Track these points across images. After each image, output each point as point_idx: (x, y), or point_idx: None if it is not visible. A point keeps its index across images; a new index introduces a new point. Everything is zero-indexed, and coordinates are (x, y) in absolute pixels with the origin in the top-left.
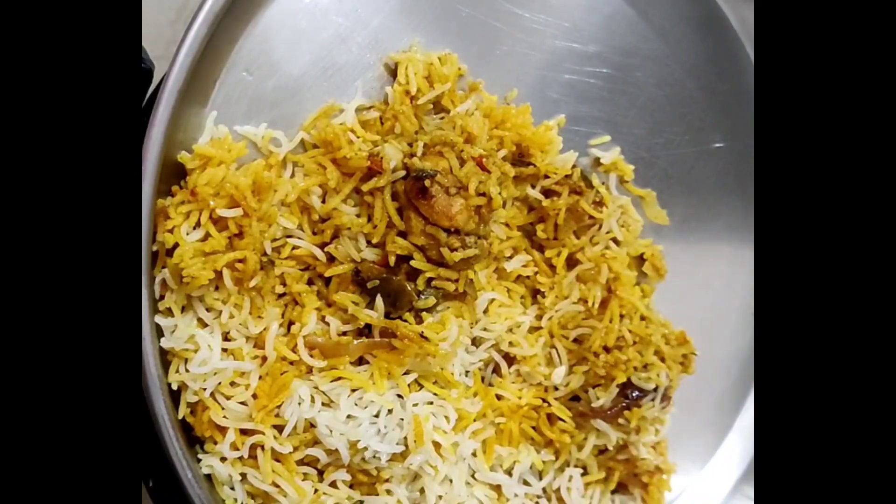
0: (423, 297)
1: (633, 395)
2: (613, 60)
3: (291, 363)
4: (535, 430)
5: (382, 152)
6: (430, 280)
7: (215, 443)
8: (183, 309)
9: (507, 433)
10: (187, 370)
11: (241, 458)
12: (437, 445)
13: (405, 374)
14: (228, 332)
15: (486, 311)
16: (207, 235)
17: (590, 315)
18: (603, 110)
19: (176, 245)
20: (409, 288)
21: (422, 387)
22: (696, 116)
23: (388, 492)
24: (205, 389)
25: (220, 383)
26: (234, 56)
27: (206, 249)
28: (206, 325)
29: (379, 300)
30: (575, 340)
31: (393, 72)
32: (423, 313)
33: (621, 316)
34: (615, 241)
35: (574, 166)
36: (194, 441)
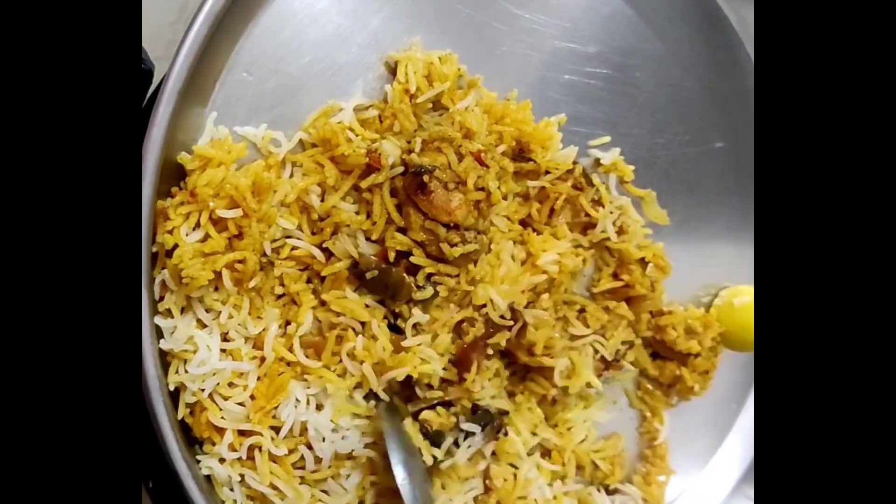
0: (422, 289)
1: None
2: (613, 61)
3: (289, 364)
4: None
5: (380, 149)
6: (429, 275)
7: (214, 444)
8: (182, 310)
9: None
10: (186, 371)
11: (239, 459)
12: None
13: None
14: (227, 333)
15: None
16: (207, 236)
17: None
18: (603, 110)
19: (176, 246)
20: (408, 280)
21: None
22: (696, 116)
23: None
24: (203, 390)
25: (218, 384)
26: (234, 56)
27: (205, 250)
28: (205, 326)
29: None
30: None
31: (393, 70)
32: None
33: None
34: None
35: (575, 162)
36: (194, 442)
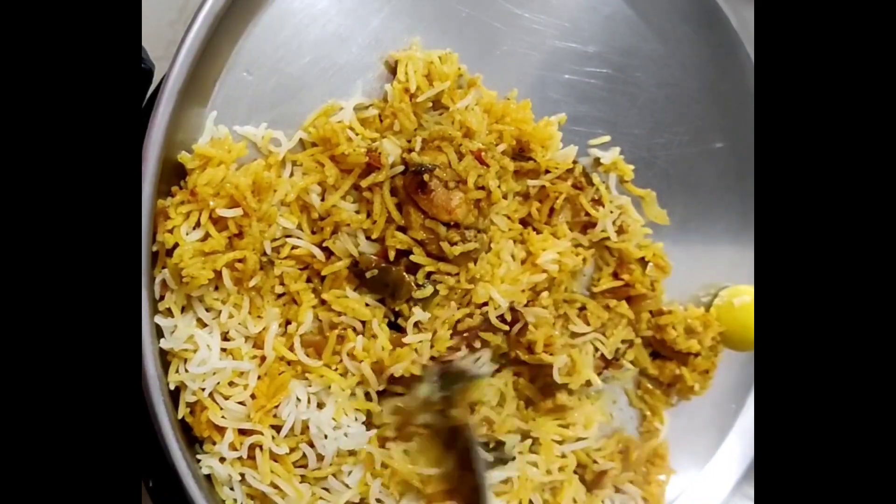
0: (422, 288)
1: None
2: (613, 60)
3: (289, 363)
4: None
5: (381, 147)
6: (429, 274)
7: (214, 443)
8: (183, 309)
9: None
10: (186, 370)
11: (240, 458)
12: None
13: None
14: (227, 332)
15: None
16: (207, 235)
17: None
18: (603, 110)
19: (176, 245)
20: (408, 279)
21: None
22: (696, 116)
23: None
24: (203, 389)
25: (218, 383)
26: (234, 56)
27: (205, 249)
28: (205, 325)
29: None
30: None
31: (393, 70)
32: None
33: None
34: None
35: (575, 161)
36: (194, 441)
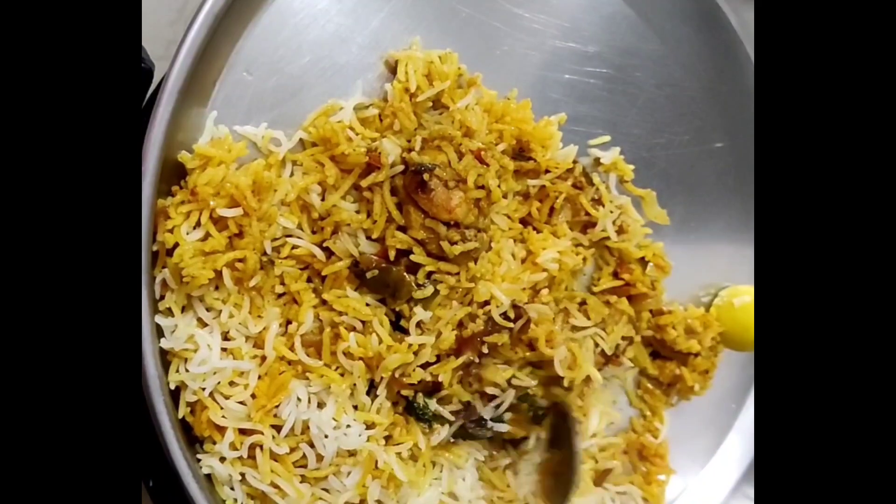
0: (422, 287)
1: None
2: (613, 60)
3: (290, 363)
4: None
5: (381, 147)
6: (430, 273)
7: (214, 443)
8: (183, 309)
9: None
10: (187, 370)
11: (240, 458)
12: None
13: None
14: (228, 332)
15: None
16: (207, 235)
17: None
18: (603, 110)
19: (176, 245)
20: (408, 278)
21: None
22: (696, 116)
23: None
24: (204, 389)
25: (219, 383)
26: (234, 56)
27: (206, 249)
28: (205, 325)
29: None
30: None
31: (393, 69)
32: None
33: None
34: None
35: (575, 161)
36: (194, 441)
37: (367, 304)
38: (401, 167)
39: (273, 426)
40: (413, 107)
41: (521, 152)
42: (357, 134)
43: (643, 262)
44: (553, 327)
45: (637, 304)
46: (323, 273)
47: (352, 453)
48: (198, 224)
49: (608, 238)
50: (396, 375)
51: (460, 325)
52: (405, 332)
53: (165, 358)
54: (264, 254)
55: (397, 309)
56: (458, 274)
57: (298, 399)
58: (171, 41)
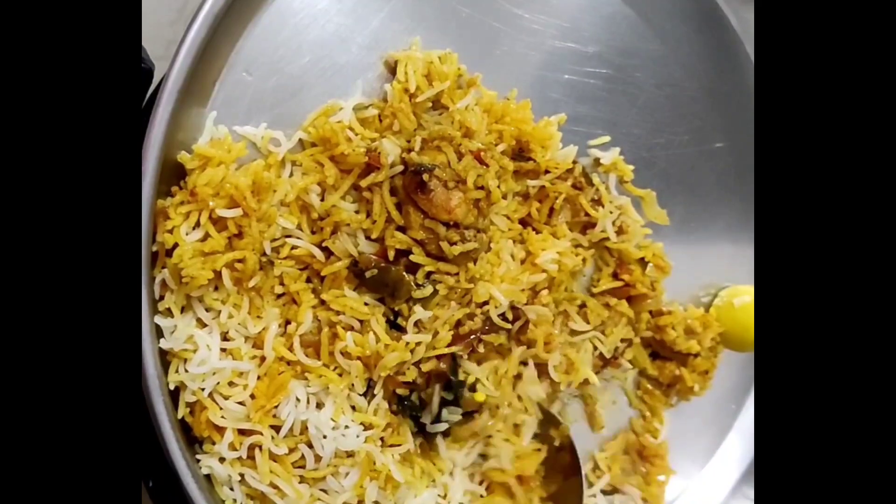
0: (421, 287)
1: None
2: (613, 61)
3: (289, 363)
4: None
5: (380, 147)
6: (429, 273)
7: (214, 443)
8: (182, 309)
9: None
10: (186, 370)
11: (239, 458)
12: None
13: None
14: (227, 332)
15: None
16: (207, 235)
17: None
18: (603, 110)
19: (175, 245)
20: (407, 278)
21: None
22: (696, 116)
23: None
24: (203, 389)
25: (218, 383)
26: (234, 56)
27: (205, 249)
28: (205, 326)
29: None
30: None
31: (393, 70)
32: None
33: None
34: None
35: (575, 161)
36: (194, 441)
37: (366, 304)
38: (400, 167)
39: (272, 426)
40: (413, 107)
41: (520, 153)
42: (356, 134)
43: (643, 262)
44: (552, 330)
45: (637, 304)
46: (322, 273)
47: (350, 454)
48: (197, 224)
49: (608, 239)
50: (392, 374)
51: (458, 324)
52: (402, 330)
53: (165, 358)
54: (264, 254)
55: (396, 308)
56: (457, 274)
57: (297, 399)
58: (171, 41)
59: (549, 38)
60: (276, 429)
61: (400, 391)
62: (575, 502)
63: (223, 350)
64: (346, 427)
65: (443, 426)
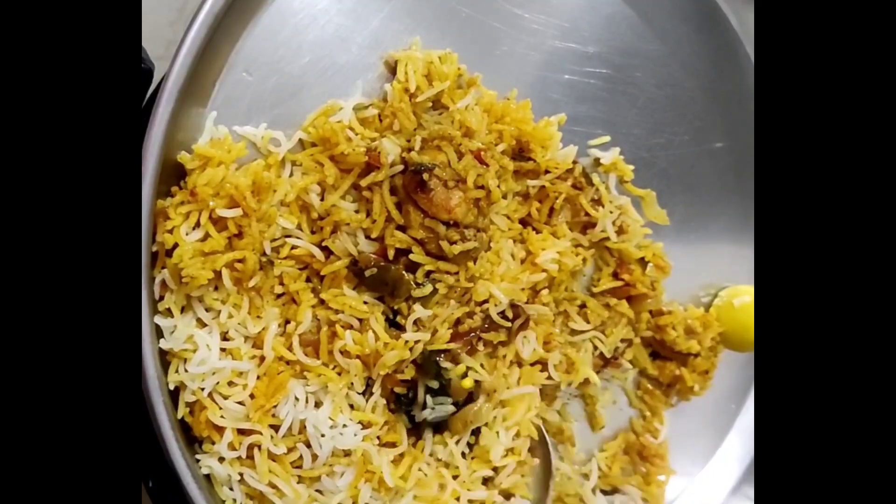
0: (420, 286)
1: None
2: (613, 61)
3: (288, 363)
4: None
5: (380, 147)
6: (429, 272)
7: (213, 443)
8: (182, 309)
9: None
10: (186, 370)
11: (239, 458)
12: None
13: None
14: (227, 332)
15: None
16: (207, 235)
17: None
18: (603, 110)
19: (175, 245)
20: (407, 277)
21: None
22: (696, 116)
23: None
24: (203, 389)
25: (217, 383)
26: (234, 56)
27: (205, 249)
28: (204, 326)
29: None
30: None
31: (393, 70)
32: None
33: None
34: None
35: (575, 161)
36: (194, 441)
37: (365, 302)
38: (400, 167)
39: (271, 426)
40: (413, 107)
41: (520, 152)
42: (356, 134)
43: (643, 262)
44: (552, 329)
45: (637, 304)
46: (322, 272)
47: (346, 453)
48: (197, 224)
49: (608, 238)
50: (391, 372)
51: (458, 322)
52: (401, 328)
53: (165, 358)
54: (263, 254)
55: (396, 307)
56: (457, 273)
57: (296, 399)
58: (171, 41)
59: (549, 38)
60: (276, 428)
61: (398, 390)
62: (545, 476)
63: (223, 350)
64: (345, 426)
65: (428, 412)
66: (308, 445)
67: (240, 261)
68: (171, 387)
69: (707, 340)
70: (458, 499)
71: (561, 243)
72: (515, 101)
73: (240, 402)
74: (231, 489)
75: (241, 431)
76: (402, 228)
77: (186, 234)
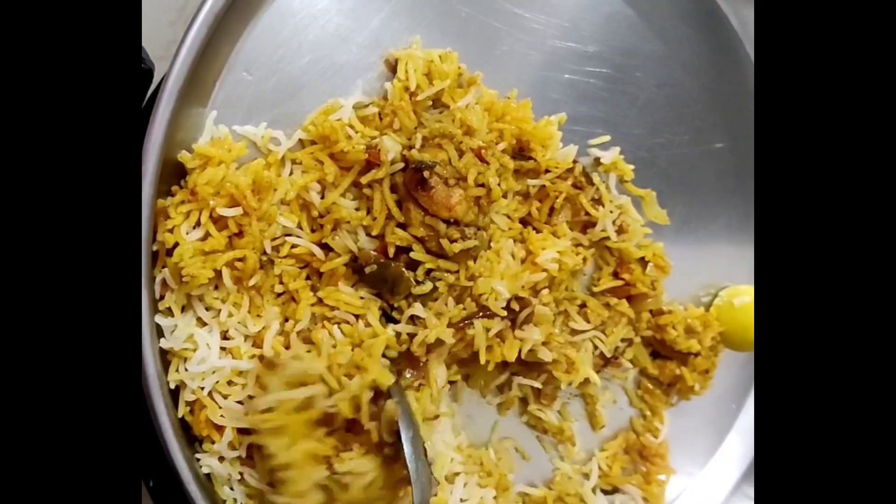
0: (420, 284)
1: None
2: (613, 60)
3: None
4: None
5: (380, 144)
6: (429, 271)
7: (213, 442)
8: (183, 308)
9: None
10: (186, 369)
11: (239, 457)
12: None
13: None
14: (227, 331)
15: None
16: (207, 235)
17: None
18: (603, 110)
19: (176, 244)
20: (407, 275)
21: None
22: (696, 116)
23: None
24: (203, 388)
25: (218, 382)
26: (234, 56)
27: (205, 248)
28: (205, 325)
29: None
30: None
31: (393, 69)
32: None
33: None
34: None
35: (575, 161)
36: (194, 440)
37: (362, 298)
38: (401, 164)
39: None
40: (413, 105)
41: (521, 152)
42: (357, 132)
43: (643, 262)
44: (552, 329)
45: (637, 304)
46: (321, 270)
47: None
48: (198, 224)
49: (608, 238)
50: None
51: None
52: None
53: (165, 357)
54: (264, 253)
55: (395, 305)
56: (457, 272)
57: None
58: (171, 41)
59: (549, 37)
60: None
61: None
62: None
63: (223, 349)
64: None
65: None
66: None
67: (240, 260)
68: (172, 386)
69: (707, 340)
70: None
71: (561, 243)
72: (516, 101)
73: (239, 402)
74: (231, 489)
75: (242, 431)
76: (403, 226)
77: (187, 234)
